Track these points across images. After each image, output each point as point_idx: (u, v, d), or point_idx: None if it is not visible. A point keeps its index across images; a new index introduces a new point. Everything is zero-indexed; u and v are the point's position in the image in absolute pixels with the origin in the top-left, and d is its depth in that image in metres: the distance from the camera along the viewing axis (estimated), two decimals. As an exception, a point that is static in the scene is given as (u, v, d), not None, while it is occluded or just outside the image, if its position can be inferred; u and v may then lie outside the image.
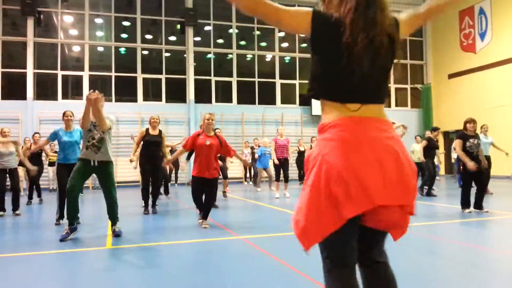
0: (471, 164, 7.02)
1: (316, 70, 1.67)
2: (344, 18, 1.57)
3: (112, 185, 5.53)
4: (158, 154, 7.73)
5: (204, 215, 6.24)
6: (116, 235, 5.44)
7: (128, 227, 6.47)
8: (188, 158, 9.25)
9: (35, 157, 9.24)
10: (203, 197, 6.31)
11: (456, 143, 7.40)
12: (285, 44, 19.52)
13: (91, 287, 3.48)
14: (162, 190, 10.32)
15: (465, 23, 18.69)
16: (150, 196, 7.83)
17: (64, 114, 6.81)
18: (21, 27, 16.04)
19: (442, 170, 18.79)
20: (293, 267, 3.85)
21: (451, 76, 19.23)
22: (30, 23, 15.82)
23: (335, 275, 1.63)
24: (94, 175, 5.74)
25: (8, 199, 7.88)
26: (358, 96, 1.61)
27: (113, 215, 5.56)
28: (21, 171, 11.00)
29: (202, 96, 17.81)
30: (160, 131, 7.81)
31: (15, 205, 7.78)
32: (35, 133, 10.27)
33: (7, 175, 7.87)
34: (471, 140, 7.28)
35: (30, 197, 9.71)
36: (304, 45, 19.77)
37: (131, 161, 7.92)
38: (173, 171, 15.08)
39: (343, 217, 1.52)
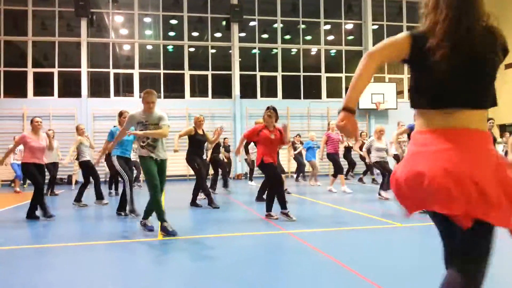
0: None
1: (412, 83, 1.79)
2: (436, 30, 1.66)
3: (164, 182, 5.62)
4: (203, 152, 8.33)
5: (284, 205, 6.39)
6: (149, 229, 5.44)
7: (179, 219, 6.66)
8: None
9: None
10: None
11: None
12: (330, 37, 19.22)
13: (145, 277, 3.61)
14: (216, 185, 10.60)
15: (524, 9, 17.56)
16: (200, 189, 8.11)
17: (121, 114, 7.15)
18: (75, 28, 16.82)
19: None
20: (342, 262, 3.81)
21: (507, 66, 18.19)
22: (83, 24, 16.56)
23: None
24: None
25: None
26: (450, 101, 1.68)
27: (151, 209, 5.52)
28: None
29: (247, 91, 17.93)
30: (203, 131, 8.09)
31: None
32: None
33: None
34: None
35: (110, 188, 10.58)
36: (351, 37, 19.39)
37: (175, 151, 8.11)
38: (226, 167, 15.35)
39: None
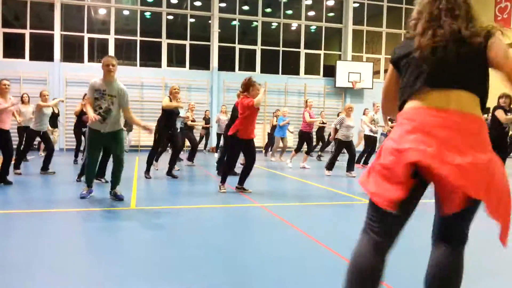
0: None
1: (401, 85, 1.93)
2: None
3: (121, 151, 5.57)
4: (174, 123, 8.10)
5: (243, 181, 6.51)
6: (119, 198, 5.46)
7: (151, 190, 6.69)
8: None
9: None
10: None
11: (499, 113, 7.29)
12: (311, 13, 19.10)
13: (110, 245, 3.66)
14: (182, 156, 10.57)
15: (502, -4, 17.84)
16: (168, 161, 8.12)
17: None
18: (49, -12, 16.10)
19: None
20: (310, 235, 3.95)
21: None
22: (57, -16, 15.86)
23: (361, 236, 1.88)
24: None
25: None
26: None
27: (116, 178, 5.57)
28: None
29: (226, 63, 17.74)
30: (177, 102, 7.94)
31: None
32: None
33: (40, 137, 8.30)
34: (508, 114, 7.22)
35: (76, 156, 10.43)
36: (331, 14, 19.32)
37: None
38: (204, 139, 15.31)
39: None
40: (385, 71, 20.16)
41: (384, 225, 1.79)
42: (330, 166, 8.97)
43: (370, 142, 10.47)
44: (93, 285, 2.70)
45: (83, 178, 6.81)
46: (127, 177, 7.10)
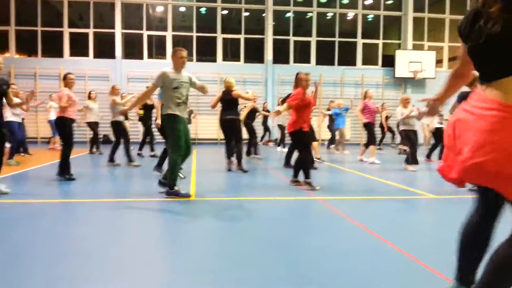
0: None
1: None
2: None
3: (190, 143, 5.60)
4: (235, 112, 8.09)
5: (297, 173, 6.39)
6: (184, 196, 5.27)
7: (211, 182, 6.75)
8: None
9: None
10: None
11: None
12: (369, 1, 18.46)
13: (173, 234, 3.69)
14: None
15: None
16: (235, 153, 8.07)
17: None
18: (110, -12, 16.78)
19: None
20: (369, 229, 3.77)
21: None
22: (118, -16, 16.47)
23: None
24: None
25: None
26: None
27: (174, 174, 5.37)
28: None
29: (280, 56, 17.62)
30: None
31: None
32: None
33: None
34: None
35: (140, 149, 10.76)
36: (390, 1, 18.58)
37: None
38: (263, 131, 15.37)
39: None
40: (449, 59, 19.12)
41: None
42: (414, 160, 8.49)
43: (439, 134, 9.93)
44: (158, 275, 2.72)
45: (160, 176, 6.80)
46: (186, 170, 7.22)
